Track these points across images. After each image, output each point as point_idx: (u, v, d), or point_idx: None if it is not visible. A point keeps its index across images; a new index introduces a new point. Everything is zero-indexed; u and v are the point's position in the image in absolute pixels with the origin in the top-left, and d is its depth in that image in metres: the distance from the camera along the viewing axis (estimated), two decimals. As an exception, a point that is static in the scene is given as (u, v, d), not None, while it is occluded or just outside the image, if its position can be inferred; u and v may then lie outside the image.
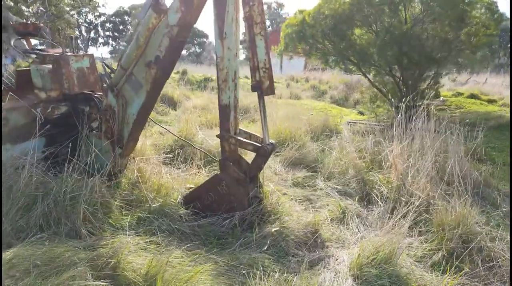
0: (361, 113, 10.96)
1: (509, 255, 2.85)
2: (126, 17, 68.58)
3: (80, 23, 65.46)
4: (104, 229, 3.13)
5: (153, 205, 3.37)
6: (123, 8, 69.27)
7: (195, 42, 66.51)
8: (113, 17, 69.98)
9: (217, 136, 3.34)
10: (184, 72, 14.85)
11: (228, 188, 3.23)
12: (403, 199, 3.55)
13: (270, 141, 3.21)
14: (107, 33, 73.21)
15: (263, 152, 3.11)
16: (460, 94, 11.55)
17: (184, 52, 62.82)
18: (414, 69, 8.38)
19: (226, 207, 3.26)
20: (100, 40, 72.52)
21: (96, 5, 71.08)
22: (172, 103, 9.59)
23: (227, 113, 3.20)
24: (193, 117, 7.29)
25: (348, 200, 3.92)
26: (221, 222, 3.24)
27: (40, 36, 4.46)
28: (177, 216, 3.31)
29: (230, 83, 3.10)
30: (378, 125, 7.91)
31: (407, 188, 3.64)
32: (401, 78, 8.68)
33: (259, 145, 3.13)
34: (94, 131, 3.92)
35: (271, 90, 2.99)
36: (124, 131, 3.71)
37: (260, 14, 2.83)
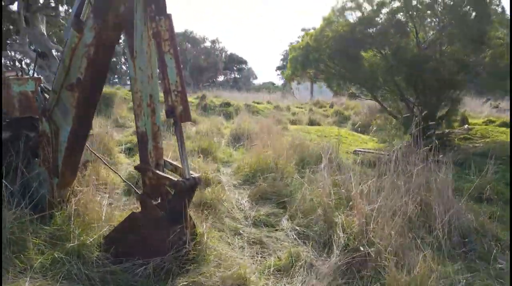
0: (383, 141, 10.19)
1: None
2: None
3: (126, 51, 69.25)
4: (8, 270, 2.80)
5: (70, 245, 3.01)
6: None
7: (235, 68, 67.91)
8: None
9: (135, 168, 2.96)
10: (203, 97, 14.84)
11: (144, 229, 2.81)
12: (362, 249, 2.92)
13: (192, 175, 2.76)
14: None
15: (179, 188, 2.67)
16: (491, 122, 10.42)
17: (222, 78, 64.39)
18: (430, 94, 7.63)
19: (143, 251, 2.82)
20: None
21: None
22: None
23: (144, 142, 2.82)
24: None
25: (304, 246, 3.33)
26: (136, 269, 2.80)
27: None
28: (91, 259, 2.92)
29: (145, 109, 2.74)
30: (387, 155, 7.20)
31: (368, 235, 3.00)
32: (416, 103, 7.93)
33: (175, 180, 2.69)
34: (36, 159, 3.70)
35: (186, 116, 2.57)
36: (58, 159, 3.44)
37: (168, 30, 2.47)
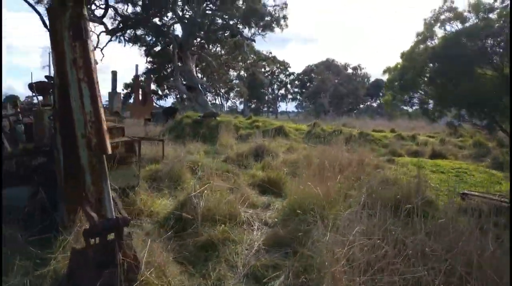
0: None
1: None
2: (312, 75, 73.41)
3: (273, 82, 74.37)
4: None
5: (45, 269, 3.03)
6: (310, 66, 74.50)
7: (381, 94, 65.08)
8: (301, 75, 76.44)
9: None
10: (314, 125, 14.32)
11: (81, 269, 2.59)
12: None
13: (119, 215, 2.43)
14: (295, 89, 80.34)
15: (89, 232, 2.35)
16: None
17: (363, 105, 61.88)
18: None
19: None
20: (289, 96, 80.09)
21: (287, 65, 79.06)
22: (266, 154, 8.89)
23: (82, 176, 2.63)
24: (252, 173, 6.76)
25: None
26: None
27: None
28: (47, 288, 2.85)
29: (80, 140, 2.55)
30: (500, 202, 5.34)
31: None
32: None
33: (94, 222, 2.39)
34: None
35: (101, 148, 2.29)
36: (63, 184, 3.60)
37: (82, 57, 2.27)
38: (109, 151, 2.32)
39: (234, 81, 57.67)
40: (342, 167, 7.38)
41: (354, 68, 64.07)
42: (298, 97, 78.78)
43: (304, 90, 74.23)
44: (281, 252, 3.62)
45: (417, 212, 3.34)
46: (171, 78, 30.85)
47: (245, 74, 61.55)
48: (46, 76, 5.65)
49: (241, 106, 72.56)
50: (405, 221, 3.40)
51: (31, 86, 5.06)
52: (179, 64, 26.77)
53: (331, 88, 54.32)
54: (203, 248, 3.76)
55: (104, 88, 39.23)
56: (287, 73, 78.53)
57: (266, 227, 4.41)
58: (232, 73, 47.30)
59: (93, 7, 25.23)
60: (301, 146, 10.67)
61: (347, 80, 57.24)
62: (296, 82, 79.25)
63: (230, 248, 3.68)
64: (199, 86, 26.65)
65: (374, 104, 63.59)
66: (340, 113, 48.09)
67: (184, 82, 27.60)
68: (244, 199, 5.16)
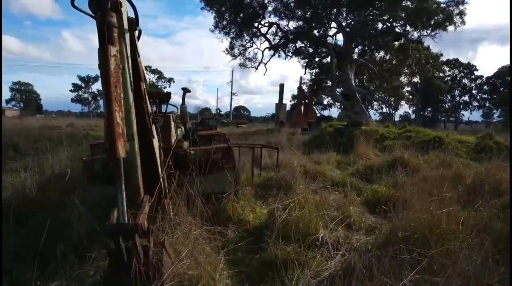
0: None
1: None
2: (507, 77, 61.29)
3: (453, 87, 65.22)
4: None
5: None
6: (505, 66, 62.36)
7: None
8: (492, 78, 64.75)
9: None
10: (486, 136, 11.67)
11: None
12: None
13: (138, 220, 2.35)
14: (483, 95, 68.52)
15: (106, 232, 2.31)
16: None
17: None
18: None
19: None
20: (475, 103, 68.79)
21: (473, 68, 68.53)
22: (402, 169, 7.52)
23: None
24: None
25: None
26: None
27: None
28: None
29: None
30: None
31: None
32: None
33: (107, 223, 2.35)
34: None
35: (111, 151, 2.22)
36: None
37: (102, 61, 2.28)
38: (121, 155, 2.28)
39: (405, 88, 53.18)
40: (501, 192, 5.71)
41: None
42: (487, 104, 66.84)
43: (495, 96, 62.48)
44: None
45: None
46: (329, 88, 30.74)
47: (418, 80, 56.02)
48: (182, 88, 6.27)
49: (414, 116, 66.25)
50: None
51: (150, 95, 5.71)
52: (337, 73, 26.39)
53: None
54: (266, 266, 3.40)
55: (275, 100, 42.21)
56: (473, 76, 67.76)
57: (354, 254, 3.67)
58: (404, 79, 43.74)
59: (259, 25, 27.56)
60: (459, 161, 8.78)
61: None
62: (485, 87, 67.52)
63: (293, 271, 3.20)
64: (356, 94, 25.60)
65: None
66: None
67: (341, 91, 27.05)
68: (344, 216, 4.49)
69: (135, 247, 2.42)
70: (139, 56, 3.11)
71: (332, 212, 4.60)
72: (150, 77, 73.10)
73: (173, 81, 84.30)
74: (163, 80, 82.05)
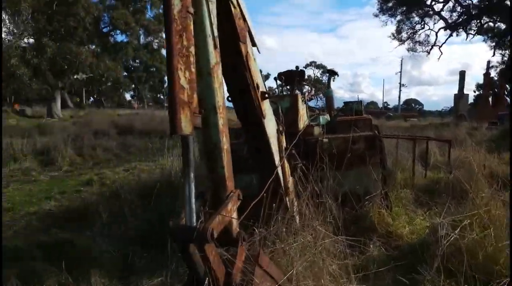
0: None
1: None
2: None
3: None
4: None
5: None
6: None
7: None
8: None
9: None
10: None
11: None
12: None
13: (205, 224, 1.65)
14: None
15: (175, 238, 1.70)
16: None
17: None
18: None
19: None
20: None
21: None
22: None
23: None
24: None
25: None
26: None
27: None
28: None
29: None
30: None
31: None
32: None
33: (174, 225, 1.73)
34: None
35: (172, 125, 1.58)
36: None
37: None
38: (184, 130, 1.62)
39: None
40: None
41: None
42: None
43: None
44: None
45: None
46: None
47: None
48: (327, 70, 5.52)
49: None
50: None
51: (279, 76, 5.02)
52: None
53: None
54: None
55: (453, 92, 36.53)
56: None
57: None
58: None
59: (432, 2, 23.83)
60: None
61: None
62: None
63: None
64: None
65: None
66: None
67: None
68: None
69: (206, 260, 1.73)
70: (241, 10, 2.34)
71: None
72: (315, 72, 73.86)
73: (337, 75, 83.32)
74: (327, 74, 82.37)
